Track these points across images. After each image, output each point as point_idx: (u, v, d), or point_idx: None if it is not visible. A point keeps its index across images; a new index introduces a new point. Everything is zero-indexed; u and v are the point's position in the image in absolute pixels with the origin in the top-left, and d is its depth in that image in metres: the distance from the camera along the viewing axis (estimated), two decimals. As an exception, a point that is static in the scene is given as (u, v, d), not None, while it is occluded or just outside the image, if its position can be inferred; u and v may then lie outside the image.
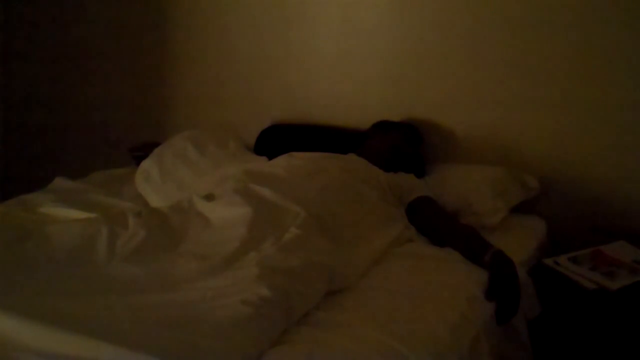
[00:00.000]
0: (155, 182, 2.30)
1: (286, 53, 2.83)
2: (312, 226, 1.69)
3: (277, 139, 2.71)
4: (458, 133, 2.52)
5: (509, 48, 2.38)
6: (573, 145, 2.35)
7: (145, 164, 2.41)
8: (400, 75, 2.60)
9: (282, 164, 2.11)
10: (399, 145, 2.34)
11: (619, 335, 1.81)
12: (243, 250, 1.57)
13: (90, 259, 1.53)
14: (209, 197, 1.87)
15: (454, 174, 2.33)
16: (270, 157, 2.28)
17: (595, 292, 1.80)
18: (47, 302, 1.31)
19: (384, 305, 1.50)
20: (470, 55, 2.45)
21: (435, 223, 1.99)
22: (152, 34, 3.14)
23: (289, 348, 1.27)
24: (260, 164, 2.26)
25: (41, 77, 3.51)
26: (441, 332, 1.40)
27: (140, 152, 2.59)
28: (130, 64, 3.24)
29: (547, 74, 2.34)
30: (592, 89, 2.28)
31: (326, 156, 2.16)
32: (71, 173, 2.45)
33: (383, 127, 2.44)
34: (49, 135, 3.53)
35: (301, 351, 1.27)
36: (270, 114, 2.86)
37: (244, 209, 1.73)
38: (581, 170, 2.34)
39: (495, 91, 2.43)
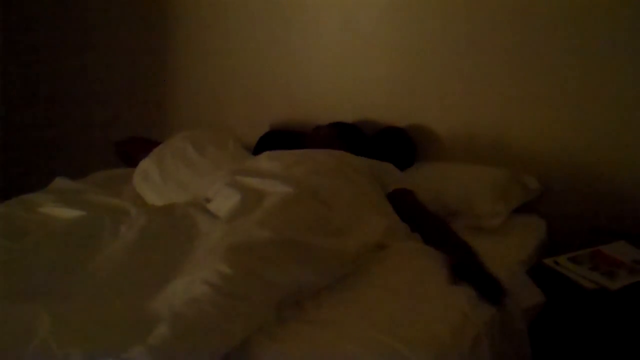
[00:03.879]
0: (155, 182, 2.30)
1: (286, 54, 2.83)
2: (297, 201, 1.68)
3: (277, 140, 2.70)
4: (458, 133, 2.52)
5: (509, 48, 2.38)
6: (573, 145, 2.34)
7: (144, 164, 2.40)
8: (400, 77, 2.60)
9: (264, 158, 2.10)
10: (328, 139, 2.34)
11: (619, 335, 1.80)
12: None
13: (90, 259, 1.53)
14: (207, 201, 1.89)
15: (454, 175, 2.32)
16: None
17: (595, 292, 1.80)
18: (46, 303, 1.31)
19: (383, 304, 1.49)
20: (470, 55, 2.45)
21: (409, 216, 1.94)
22: (152, 33, 3.14)
23: (285, 347, 1.27)
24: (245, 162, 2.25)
25: (41, 76, 3.51)
26: (442, 332, 1.40)
27: (124, 148, 2.61)
28: (130, 64, 3.24)
29: (547, 73, 2.34)
30: (593, 88, 2.28)
31: (309, 150, 2.16)
32: (71, 173, 2.45)
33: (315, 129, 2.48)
34: (49, 134, 3.53)
35: (298, 350, 1.26)
36: (270, 114, 2.86)
37: (231, 199, 1.74)
38: (581, 170, 2.34)
39: (495, 91, 2.43)
